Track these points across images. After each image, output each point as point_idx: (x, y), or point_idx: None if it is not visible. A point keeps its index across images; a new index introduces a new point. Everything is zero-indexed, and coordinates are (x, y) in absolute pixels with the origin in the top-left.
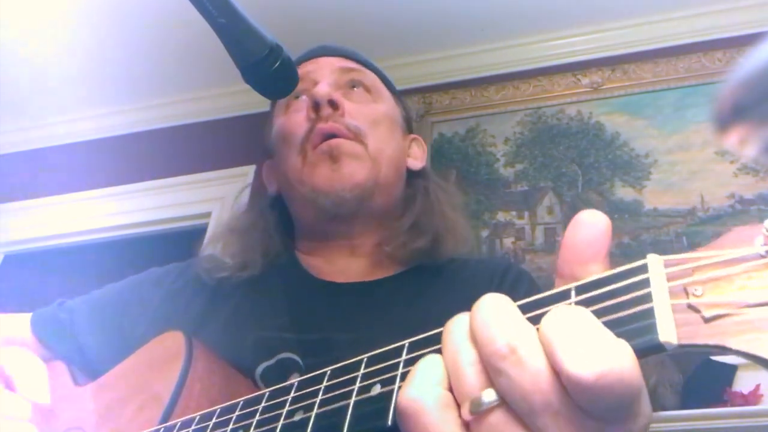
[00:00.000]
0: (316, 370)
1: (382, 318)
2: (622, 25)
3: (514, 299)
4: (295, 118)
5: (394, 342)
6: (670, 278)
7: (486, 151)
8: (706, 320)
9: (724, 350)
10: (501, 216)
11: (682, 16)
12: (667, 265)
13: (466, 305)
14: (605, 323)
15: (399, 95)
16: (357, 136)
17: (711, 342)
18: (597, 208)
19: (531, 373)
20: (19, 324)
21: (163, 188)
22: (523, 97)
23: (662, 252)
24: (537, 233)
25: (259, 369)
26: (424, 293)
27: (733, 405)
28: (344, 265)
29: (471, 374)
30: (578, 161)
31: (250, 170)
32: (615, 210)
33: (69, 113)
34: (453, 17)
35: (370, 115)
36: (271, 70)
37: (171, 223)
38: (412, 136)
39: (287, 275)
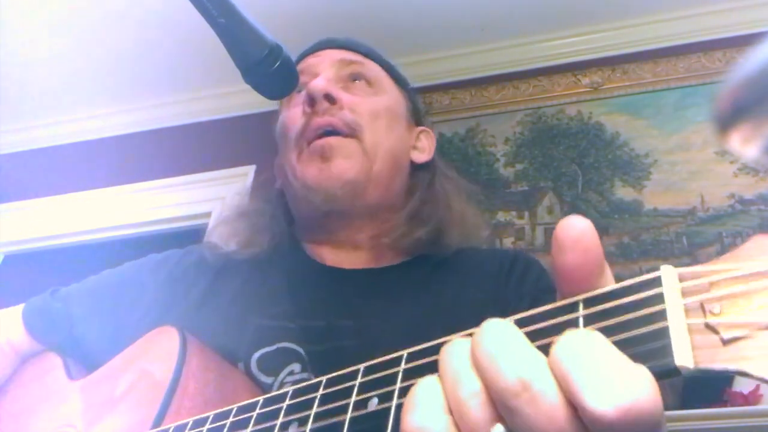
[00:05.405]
0: (318, 359)
1: (386, 306)
2: (622, 25)
3: (524, 290)
4: (294, 112)
5: (398, 331)
6: (685, 293)
7: (486, 151)
8: (725, 342)
9: (744, 375)
10: (501, 216)
11: (682, 16)
12: (682, 278)
13: (473, 295)
14: (616, 342)
15: (407, 87)
16: (353, 131)
17: (731, 367)
18: (597, 208)
19: (547, 410)
20: (10, 317)
21: (163, 188)
22: (523, 97)
23: (662, 252)
24: (537, 233)
25: (256, 355)
26: (430, 282)
27: (733, 405)
28: (348, 256)
29: (476, 407)
30: (578, 161)
31: (250, 170)
32: (615, 210)
33: (69, 113)
34: (453, 17)
35: (370, 107)
36: (271, 70)
37: (171, 223)
38: (420, 128)
39: (292, 260)
